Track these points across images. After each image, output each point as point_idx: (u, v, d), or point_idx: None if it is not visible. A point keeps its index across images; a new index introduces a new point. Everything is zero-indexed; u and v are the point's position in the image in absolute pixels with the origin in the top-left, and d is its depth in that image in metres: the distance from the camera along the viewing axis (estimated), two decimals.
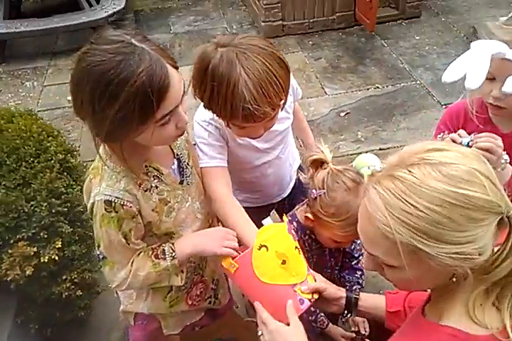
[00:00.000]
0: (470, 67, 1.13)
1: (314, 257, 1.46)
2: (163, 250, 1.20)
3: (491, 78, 1.19)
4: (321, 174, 1.29)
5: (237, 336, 1.54)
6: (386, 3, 4.10)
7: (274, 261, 1.18)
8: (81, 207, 1.81)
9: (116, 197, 1.09)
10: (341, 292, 1.30)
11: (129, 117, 0.95)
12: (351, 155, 2.82)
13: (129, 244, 1.15)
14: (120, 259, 1.17)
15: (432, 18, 4.10)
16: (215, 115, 1.23)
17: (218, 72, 1.11)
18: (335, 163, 1.32)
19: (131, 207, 1.11)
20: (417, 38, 3.87)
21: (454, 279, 0.84)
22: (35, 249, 1.60)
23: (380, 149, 2.85)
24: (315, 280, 1.26)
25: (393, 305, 1.27)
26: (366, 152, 2.73)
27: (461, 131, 1.15)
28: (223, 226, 1.34)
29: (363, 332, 1.37)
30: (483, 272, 0.82)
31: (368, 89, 3.38)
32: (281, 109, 1.25)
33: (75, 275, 1.78)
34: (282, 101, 1.19)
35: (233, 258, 1.18)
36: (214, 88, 1.13)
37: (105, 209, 1.10)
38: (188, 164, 1.26)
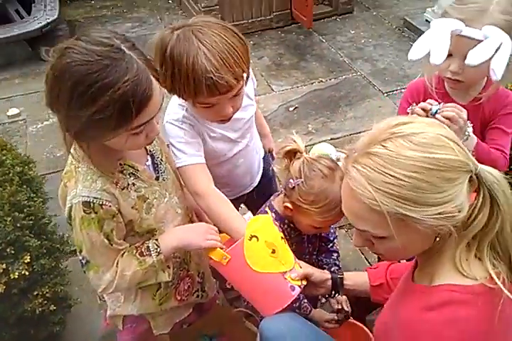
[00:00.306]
0: (433, 44, 1.21)
1: (293, 245, 1.50)
2: (148, 247, 1.21)
3: (448, 54, 1.28)
4: (297, 163, 1.32)
5: (224, 330, 1.56)
6: (320, 0, 4.24)
7: (265, 250, 1.23)
8: (46, 219, 1.77)
9: (95, 198, 1.08)
10: (326, 274, 1.36)
11: (103, 122, 0.95)
12: (305, 147, 2.88)
13: (112, 245, 1.15)
14: (104, 261, 1.16)
15: (364, 13, 4.28)
16: (181, 99, 1.24)
17: (177, 51, 1.14)
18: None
19: (110, 206, 1.10)
20: (353, 32, 4.03)
21: (438, 239, 0.90)
22: (3, 266, 1.55)
23: (332, 139, 2.94)
24: (301, 267, 1.31)
25: (376, 278, 1.34)
26: (319, 143, 2.80)
27: (430, 100, 1.24)
28: (207, 219, 1.36)
29: (347, 309, 1.43)
30: (461, 228, 0.89)
31: (312, 83, 3.48)
32: (245, 84, 1.27)
33: (47, 290, 1.72)
34: (245, 75, 1.20)
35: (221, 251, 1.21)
36: (175, 67, 1.15)
37: (84, 210, 1.08)
38: (161, 160, 1.27)
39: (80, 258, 1.17)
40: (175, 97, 1.38)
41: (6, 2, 3.92)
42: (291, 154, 1.34)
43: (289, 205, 1.36)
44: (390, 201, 0.82)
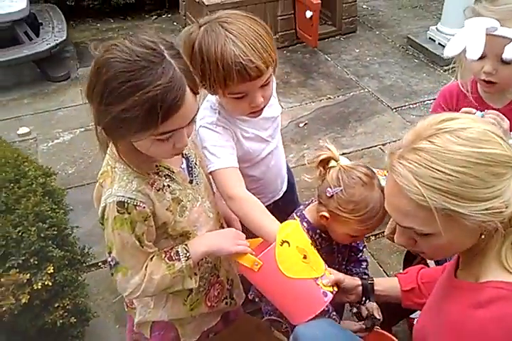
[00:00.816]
0: (468, 40, 1.24)
1: (323, 255, 1.49)
2: (177, 251, 1.20)
3: (482, 56, 1.29)
4: (334, 172, 1.32)
5: (252, 339, 1.53)
6: (323, 21, 4.33)
7: (297, 256, 1.21)
8: (68, 231, 1.76)
9: (129, 198, 1.08)
10: (356, 281, 1.35)
11: (129, 121, 0.96)
12: None
13: (142, 247, 1.14)
14: (134, 264, 1.15)
15: (367, 32, 4.36)
16: (211, 93, 1.25)
17: (205, 42, 1.18)
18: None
19: (144, 207, 1.10)
20: (357, 50, 4.10)
21: (483, 236, 0.89)
22: (27, 276, 1.53)
23: (343, 154, 2.94)
24: (331, 274, 1.29)
25: (407, 283, 1.32)
26: None
27: (469, 108, 1.25)
28: (236, 226, 1.35)
29: (378, 317, 1.40)
30: (508, 225, 0.88)
31: (321, 100, 3.52)
32: (274, 72, 1.29)
33: (68, 302, 1.70)
34: (272, 61, 1.22)
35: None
36: (204, 58, 1.18)
37: (118, 210, 1.08)
38: (195, 164, 1.28)
39: (109, 259, 1.16)
40: (206, 103, 1.40)
41: (15, 24, 3.98)
42: (326, 162, 1.35)
43: (326, 214, 1.34)
44: (438, 196, 0.82)
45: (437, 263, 1.55)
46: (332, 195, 1.30)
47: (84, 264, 1.84)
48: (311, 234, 1.42)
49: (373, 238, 2.41)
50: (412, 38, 4.00)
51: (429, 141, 0.84)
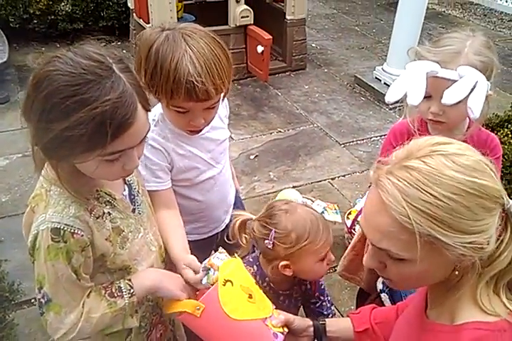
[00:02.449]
0: (409, 85, 1.25)
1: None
2: (119, 287, 1.08)
3: (427, 96, 1.31)
4: (255, 225, 1.30)
5: None
6: (274, 56, 4.41)
7: (241, 295, 1.13)
8: None
9: (66, 225, 0.96)
10: (307, 321, 1.27)
11: (74, 140, 0.86)
12: (267, 194, 2.88)
13: (79, 280, 1.01)
14: (68, 300, 1.02)
15: (316, 70, 4.49)
16: (155, 95, 1.20)
17: (163, 48, 1.14)
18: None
19: (82, 235, 0.98)
20: (306, 87, 4.19)
21: (456, 272, 0.85)
22: None
23: (294, 187, 2.93)
24: (279, 314, 1.22)
25: (360, 324, 1.26)
26: (281, 190, 2.79)
27: None
28: (182, 271, 1.26)
29: None
30: (484, 264, 0.83)
31: (271, 133, 3.53)
32: (222, 99, 1.26)
33: None
34: (223, 88, 1.19)
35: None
36: (158, 64, 1.14)
37: (52, 238, 0.96)
38: (138, 192, 1.18)
39: (39, 296, 1.02)
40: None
41: None
42: (244, 226, 1.33)
43: (285, 262, 1.28)
44: (425, 221, 0.76)
45: (393, 302, 1.52)
46: (273, 243, 1.26)
47: (13, 302, 1.66)
48: (258, 280, 1.34)
49: None
50: (359, 77, 4.14)
51: (422, 161, 0.79)
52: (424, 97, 1.31)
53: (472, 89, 1.23)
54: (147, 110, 0.97)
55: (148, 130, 0.99)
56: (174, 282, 1.15)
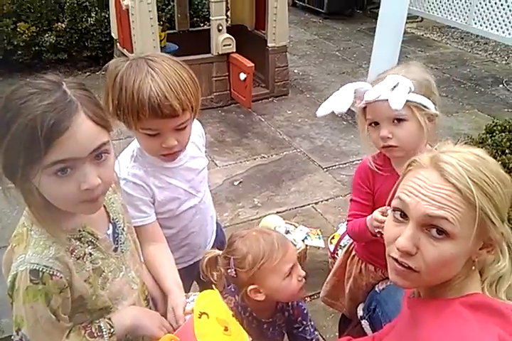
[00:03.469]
0: (336, 98, 1.31)
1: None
2: (99, 326, 1.07)
3: (374, 124, 1.35)
4: (220, 259, 1.35)
5: None
6: (257, 83, 4.49)
7: (217, 328, 1.13)
8: None
9: (45, 266, 0.96)
10: None
11: (16, 152, 0.88)
12: (252, 220, 2.89)
13: (58, 321, 1.00)
14: None
15: (298, 95, 4.56)
16: (124, 121, 1.22)
17: (127, 73, 1.19)
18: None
19: (61, 277, 0.98)
20: (289, 112, 4.25)
21: (473, 268, 0.89)
22: None
23: (278, 212, 2.95)
24: None
25: None
26: (265, 216, 2.81)
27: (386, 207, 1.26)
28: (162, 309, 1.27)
29: None
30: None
31: (255, 159, 3.56)
32: (192, 119, 1.28)
33: None
34: (191, 107, 1.22)
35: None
36: (122, 87, 1.17)
37: (31, 280, 0.95)
38: (123, 229, 1.18)
39: (17, 338, 1.00)
40: (125, 152, 1.39)
41: None
42: (214, 261, 1.37)
43: (252, 287, 1.29)
44: (484, 198, 0.81)
45: (373, 328, 1.52)
46: (235, 270, 1.28)
47: None
48: (240, 311, 1.36)
49: (308, 299, 2.36)
50: None
51: (470, 152, 0.87)
52: (372, 125, 1.36)
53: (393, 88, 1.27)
54: (100, 125, 0.94)
55: (104, 145, 0.95)
56: (153, 320, 1.16)
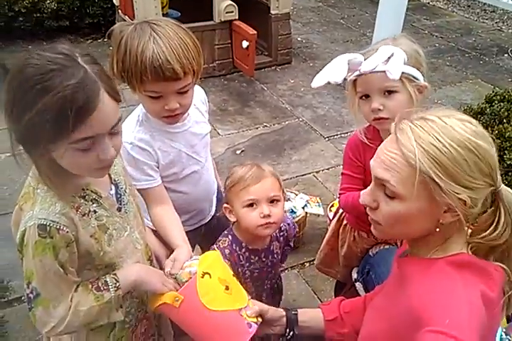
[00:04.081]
0: (331, 69, 1.33)
1: (255, 271, 1.51)
2: (106, 281, 1.13)
3: (364, 97, 1.37)
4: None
5: None
6: (259, 51, 4.45)
7: (218, 287, 1.20)
8: None
9: (52, 221, 1.01)
10: (281, 312, 1.34)
11: (41, 127, 0.91)
12: None
13: (67, 274, 1.06)
14: (57, 294, 1.06)
15: (302, 64, 4.53)
16: (128, 84, 1.27)
17: (131, 36, 1.23)
18: None
19: (67, 232, 1.03)
20: (292, 81, 4.24)
21: (438, 229, 0.94)
22: None
23: None
24: (254, 305, 1.29)
25: (329, 313, 1.33)
26: None
27: None
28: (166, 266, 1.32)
29: None
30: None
31: (257, 128, 3.59)
32: (194, 82, 1.31)
33: None
34: (193, 70, 1.26)
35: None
36: (126, 50, 1.22)
37: (39, 234, 1.00)
38: (125, 191, 1.23)
39: (28, 291, 1.06)
40: (130, 117, 1.43)
41: None
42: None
43: (226, 205, 1.47)
44: (428, 162, 0.86)
45: (367, 290, 1.59)
46: (224, 188, 1.50)
47: (3, 299, 1.72)
48: (235, 248, 1.46)
49: (307, 265, 2.44)
50: None
51: (440, 118, 0.91)
52: (363, 98, 1.38)
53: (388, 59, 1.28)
54: (116, 99, 1.00)
55: (119, 120, 1.02)
56: (157, 276, 1.21)
